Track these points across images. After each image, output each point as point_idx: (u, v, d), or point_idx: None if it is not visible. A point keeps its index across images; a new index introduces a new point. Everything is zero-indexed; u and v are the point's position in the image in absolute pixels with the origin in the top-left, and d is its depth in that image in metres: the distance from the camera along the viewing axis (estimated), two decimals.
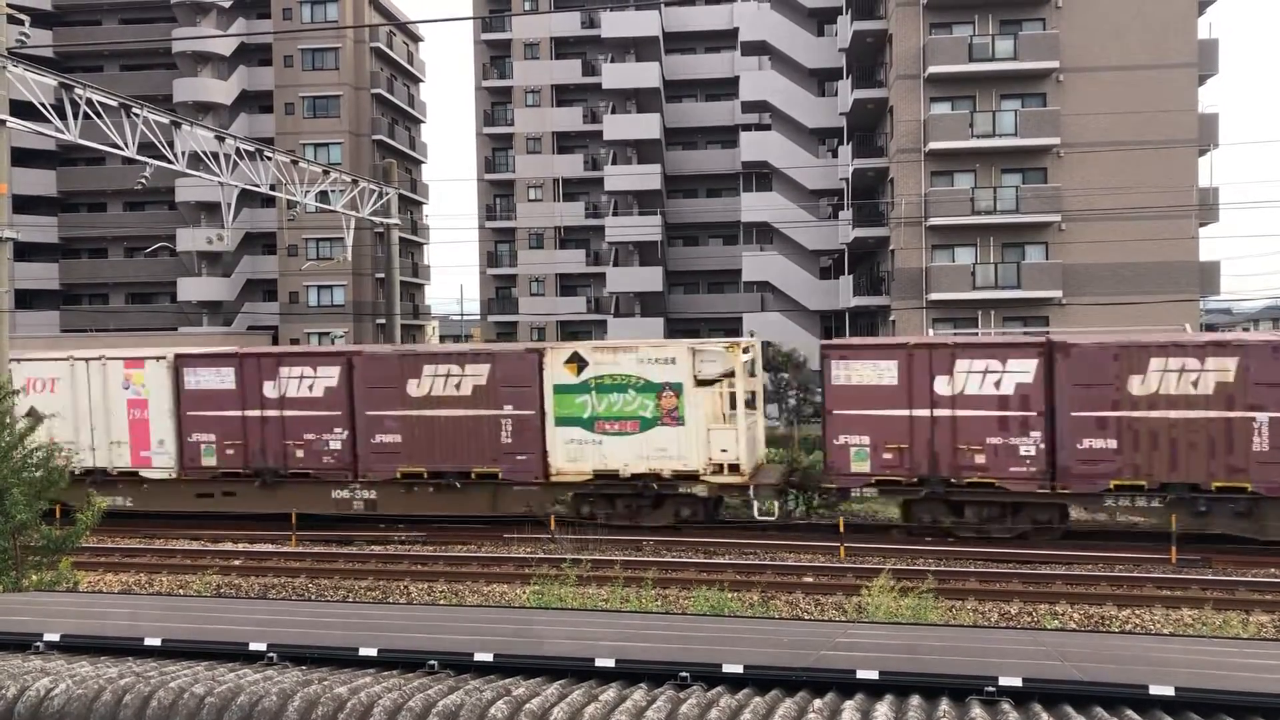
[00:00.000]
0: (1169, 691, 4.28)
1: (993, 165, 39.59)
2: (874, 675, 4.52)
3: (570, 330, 57.15)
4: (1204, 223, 39.99)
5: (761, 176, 50.70)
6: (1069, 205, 38.34)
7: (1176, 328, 34.22)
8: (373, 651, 4.91)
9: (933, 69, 38.68)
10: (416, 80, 68.14)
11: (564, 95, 59.28)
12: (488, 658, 4.80)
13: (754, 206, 50.04)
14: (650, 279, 53.80)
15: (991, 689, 4.38)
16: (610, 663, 4.70)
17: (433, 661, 4.80)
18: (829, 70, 49.05)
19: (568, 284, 58.50)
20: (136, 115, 23.96)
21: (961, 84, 39.30)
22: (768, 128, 51.03)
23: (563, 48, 59.19)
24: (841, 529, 20.02)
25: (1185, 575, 17.75)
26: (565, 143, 59.13)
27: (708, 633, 5.99)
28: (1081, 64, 38.48)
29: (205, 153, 26.92)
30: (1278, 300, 71.88)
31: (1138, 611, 15.87)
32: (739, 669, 4.61)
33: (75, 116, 22.25)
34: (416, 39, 68.64)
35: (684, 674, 4.58)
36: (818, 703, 4.24)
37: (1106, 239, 37.72)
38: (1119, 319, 35.84)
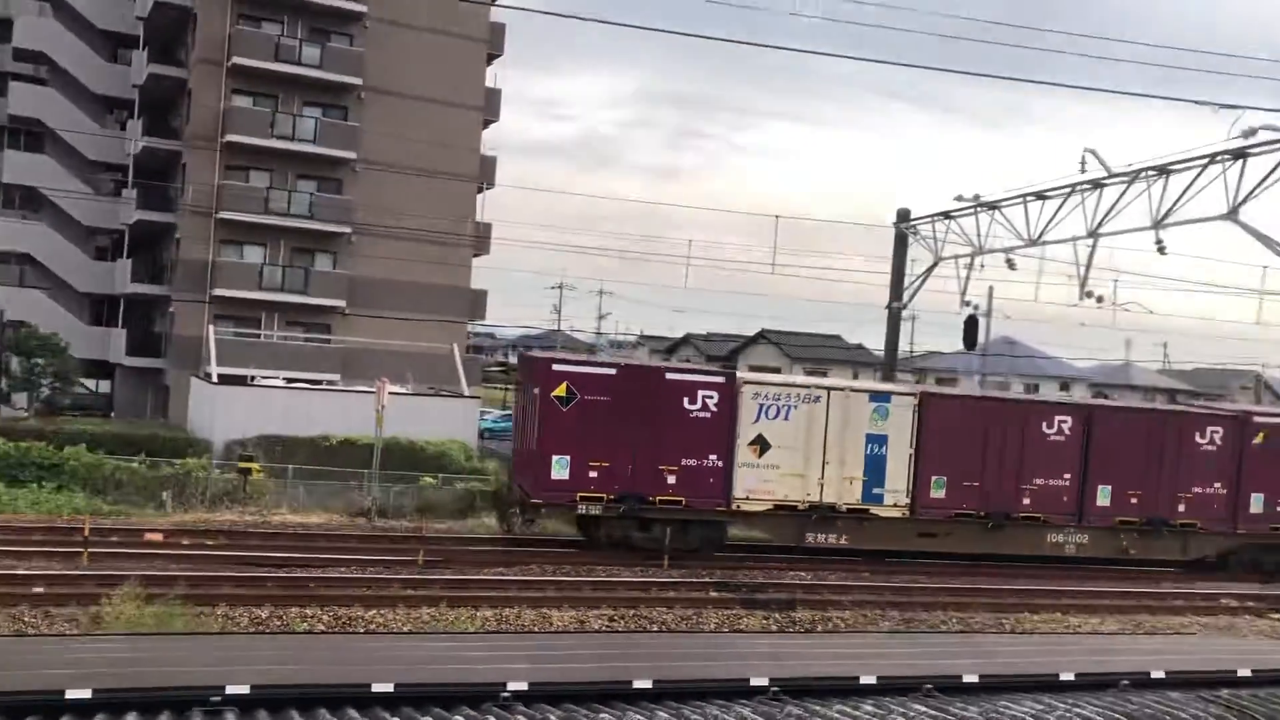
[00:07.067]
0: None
1: (290, 168, 39.68)
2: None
3: None
4: (477, 253, 44.02)
5: (32, 135, 45.09)
6: (362, 219, 39.70)
7: (444, 346, 37.23)
8: None
9: (237, 60, 37.77)
10: None
11: None
12: None
13: (21, 167, 44.27)
14: None
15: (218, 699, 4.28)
16: None
17: None
18: (125, 36, 45.31)
19: None
20: None
21: (266, 81, 38.88)
22: (44, 82, 45.57)
23: None
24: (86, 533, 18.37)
25: (427, 576, 19.00)
26: None
27: None
28: (384, 86, 40.22)
29: None
30: (528, 330, 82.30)
31: (382, 611, 16.50)
32: None
33: None
34: None
35: None
36: None
37: (393, 256, 39.62)
38: (398, 333, 37.89)
